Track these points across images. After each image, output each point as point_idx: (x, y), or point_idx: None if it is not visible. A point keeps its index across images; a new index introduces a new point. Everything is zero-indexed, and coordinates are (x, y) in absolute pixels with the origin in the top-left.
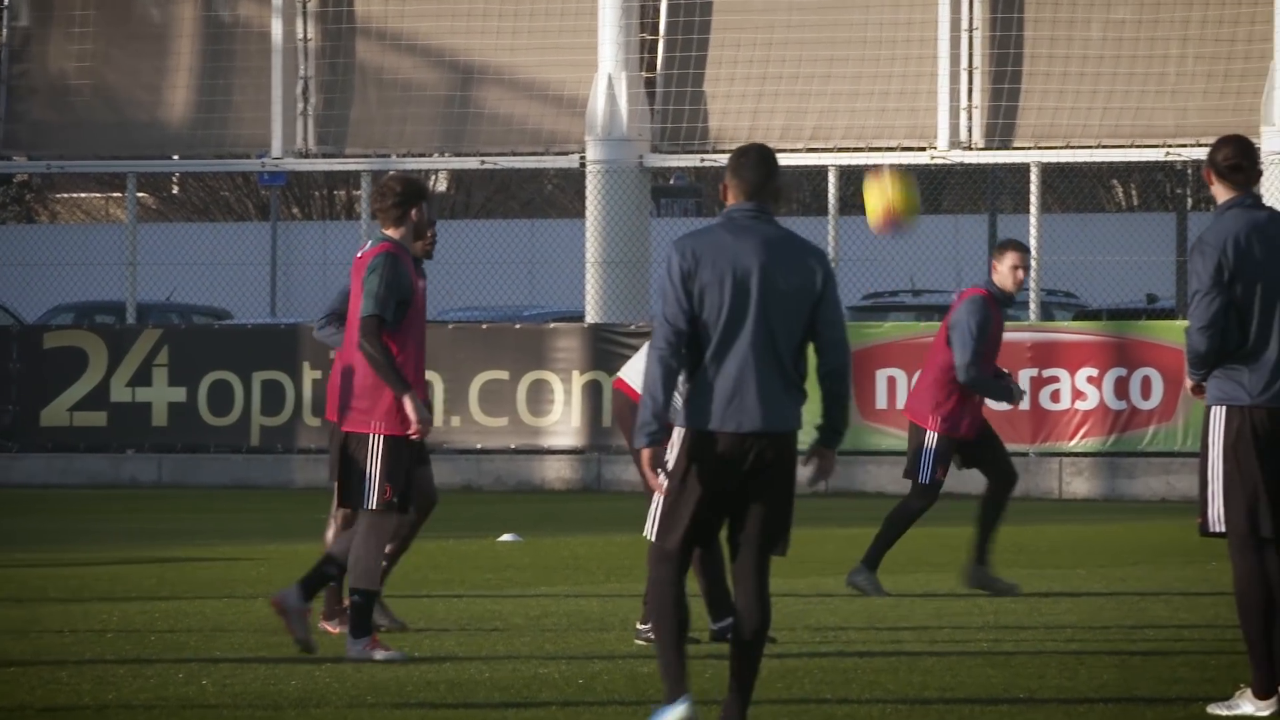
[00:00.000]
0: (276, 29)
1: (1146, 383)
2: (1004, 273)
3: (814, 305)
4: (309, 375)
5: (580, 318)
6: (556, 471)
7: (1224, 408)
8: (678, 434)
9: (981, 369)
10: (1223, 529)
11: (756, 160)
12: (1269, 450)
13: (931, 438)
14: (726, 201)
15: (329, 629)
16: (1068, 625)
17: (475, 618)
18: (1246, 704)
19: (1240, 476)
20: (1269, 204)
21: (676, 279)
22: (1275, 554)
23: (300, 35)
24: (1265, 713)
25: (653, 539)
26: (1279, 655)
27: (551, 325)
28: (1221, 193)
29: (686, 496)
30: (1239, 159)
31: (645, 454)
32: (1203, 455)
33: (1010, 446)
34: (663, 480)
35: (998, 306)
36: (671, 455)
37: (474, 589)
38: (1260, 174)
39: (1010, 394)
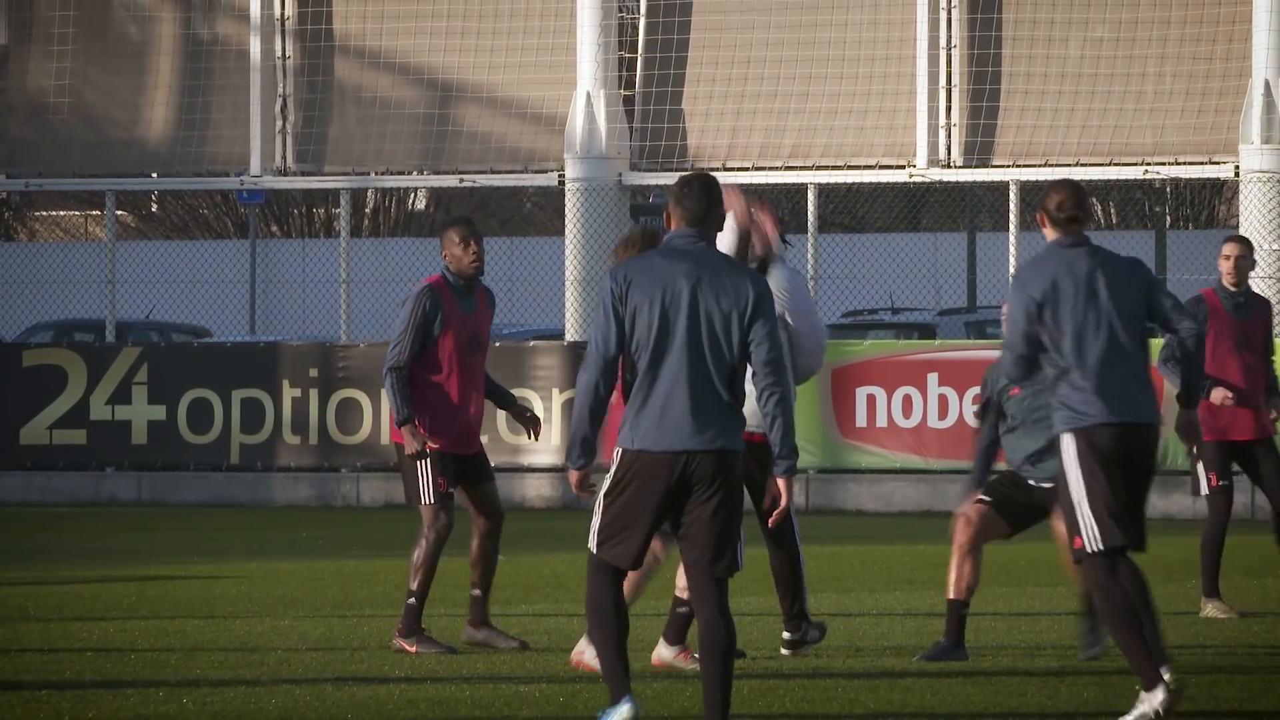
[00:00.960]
0: (255, 47)
1: None
2: (1220, 266)
3: (746, 326)
4: (288, 393)
5: (560, 335)
6: (537, 490)
7: (1070, 433)
8: (618, 452)
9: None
10: (1100, 546)
11: (700, 190)
12: (1115, 466)
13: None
14: (669, 229)
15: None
16: (1048, 644)
17: (454, 636)
18: (1143, 704)
19: (1099, 492)
20: (1247, 220)
21: (609, 303)
22: (1128, 561)
23: (279, 53)
24: (1159, 699)
25: (594, 550)
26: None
27: (531, 343)
28: (1051, 234)
29: (628, 515)
30: (1074, 210)
31: (573, 475)
32: (1062, 481)
33: None
34: (598, 498)
35: (1221, 303)
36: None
37: (455, 607)
38: (1090, 216)
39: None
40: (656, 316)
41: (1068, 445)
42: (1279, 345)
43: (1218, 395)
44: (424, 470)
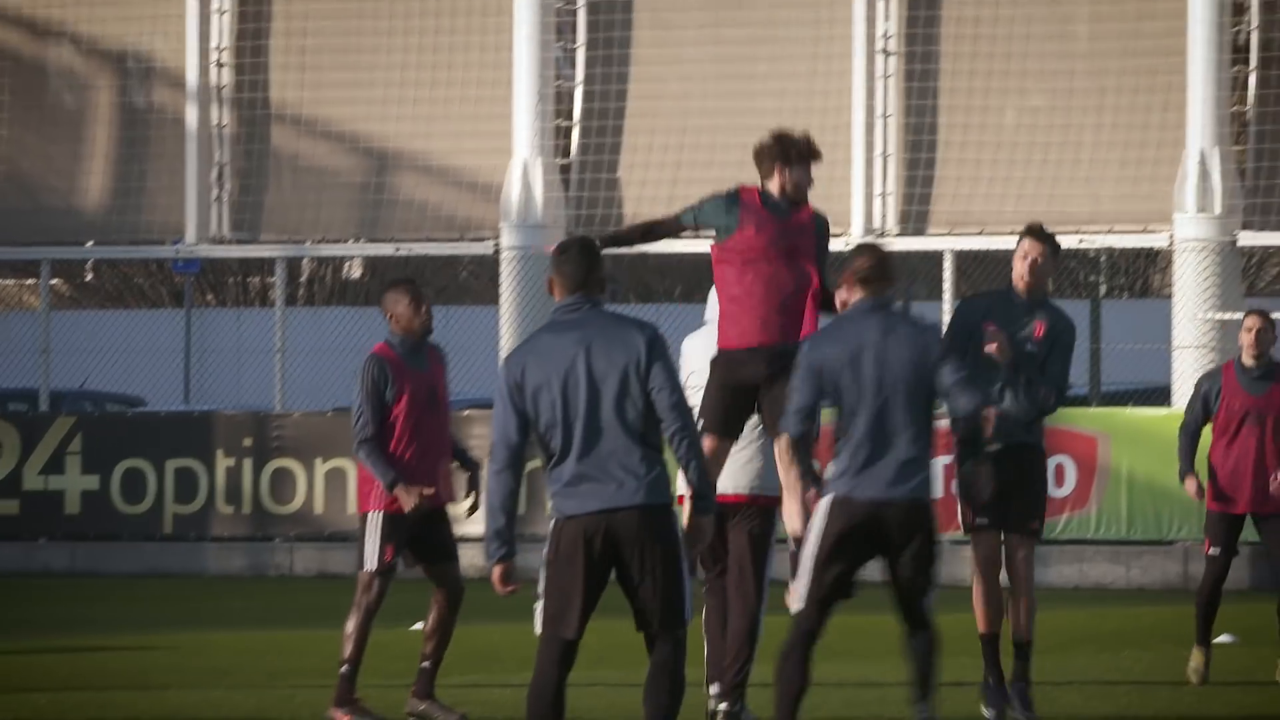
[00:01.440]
0: (191, 115)
1: (1060, 470)
2: (1241, 339)
3: (645, 375)
4: (222, 463)
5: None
6: (469, 559)
7: (830, 497)
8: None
9: (1185, 429)
10: (801, 607)
11: (577, 255)
12: (862, 540)
13: (1206, 512)
14: (554, 297)
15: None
16: (982, 715)
17: (387, 707)
18: None
19: (829, 563)
20: (1181, 289)
21: (505, 393)
22: (926, 630)
23: (215, 121)
24: None
25: (538, 631)
26: None
27: (465, 412)
28: (854, 296)
29: (564, 585)
30: (869, 273)
31: (495, 572)
32: (805, 538)
33: None
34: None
35: (1235, 377)
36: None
37: (386, 678)
38: (892, 281)
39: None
40: (558, 394)
41: (822, 506)
42: None
43: (1190, 487)
44: (374, 534)
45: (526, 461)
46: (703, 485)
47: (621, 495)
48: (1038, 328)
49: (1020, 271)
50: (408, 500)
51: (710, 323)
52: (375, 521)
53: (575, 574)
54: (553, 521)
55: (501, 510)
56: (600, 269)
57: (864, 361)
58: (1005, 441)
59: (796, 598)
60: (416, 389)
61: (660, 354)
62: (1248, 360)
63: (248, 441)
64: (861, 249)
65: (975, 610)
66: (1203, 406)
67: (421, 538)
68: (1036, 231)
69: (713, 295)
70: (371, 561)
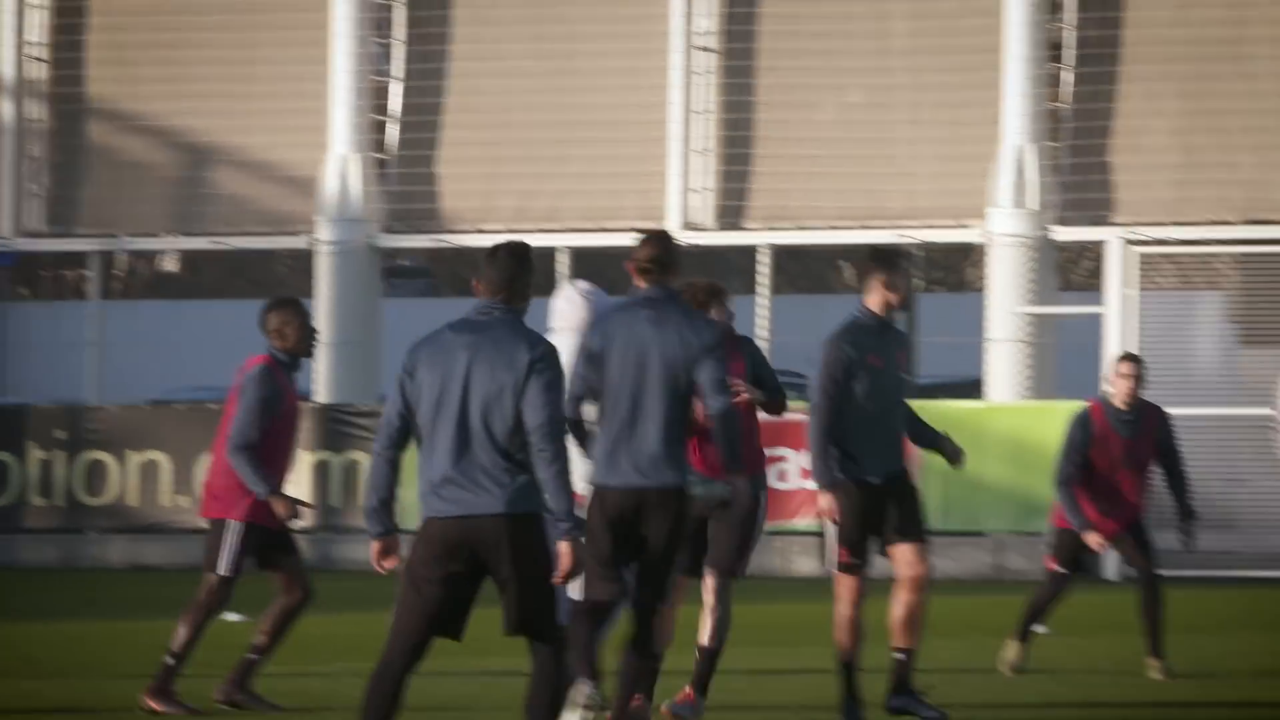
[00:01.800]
0: (6, 109)
1: None
2: (1115, 385)
3: (519, 394)
4: (35, 455)
5: (309, 398)
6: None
7: (591, 486)
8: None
9: (1069, 482)
10: (580, 598)
11: (504, 258)
12: (619, 526)
13: (1057, 531)
14: (479, 297)
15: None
16: (792, 704)
17: (199, 697)
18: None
19: (593, 550)
20: (995, 283)
21: (399, 379)
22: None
23: (31, 115)
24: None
25: (390, 622)
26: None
27: None
28: (640, 284)
29: (415, 579)
30: (648, 263)
31: (374, 547)
32: None
33: None
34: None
35: (1107, 420)
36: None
37: (198, 670)
38: (671, 271)
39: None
40: (436, 394)
41: (584, 495)
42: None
43: (1093, 541)
44: (233, 542)
45: (408, 444)
46: (562, 510)
47: (481, 502)
48: (900, 357)
49: (890, 299)
50: (283, 510)
51: (558, 331)
52: (237, 530)
53: (430, 572)
54: (422, 516)
55: (376, 489)
56: (527, 277)
57: (629, 350)
58: (885, 473)
59: (576, 588)
60: (290, 407)
61: (541, 373)
62: (1120, 404)
63: (61, 434)
64: (646, 238)
65: (839, 640)
66: (1081, 456)
67: (266, 543)
68: (903, 254)
69: (559, 303)
70: (226, 568)
